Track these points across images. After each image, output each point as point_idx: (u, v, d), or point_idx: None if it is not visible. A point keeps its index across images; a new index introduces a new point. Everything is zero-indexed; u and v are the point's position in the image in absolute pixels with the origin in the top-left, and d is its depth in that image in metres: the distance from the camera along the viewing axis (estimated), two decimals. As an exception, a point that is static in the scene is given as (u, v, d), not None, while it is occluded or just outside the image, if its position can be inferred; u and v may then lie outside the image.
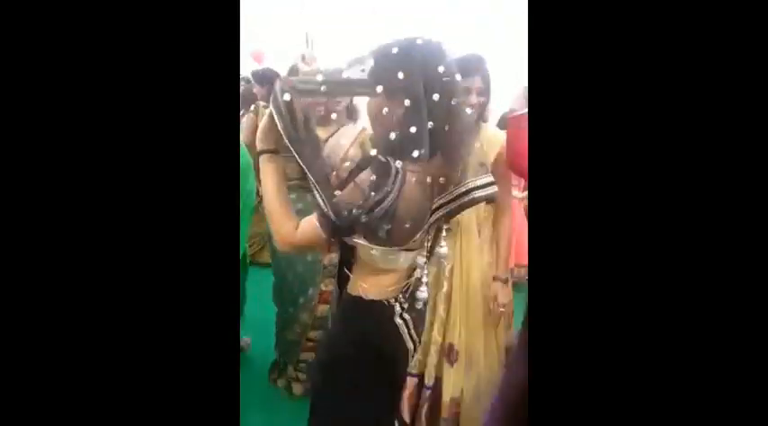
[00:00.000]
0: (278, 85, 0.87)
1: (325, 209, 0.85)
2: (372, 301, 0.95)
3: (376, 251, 0.88)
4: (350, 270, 0.99)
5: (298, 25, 4.91)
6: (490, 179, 0.96)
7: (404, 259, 0.93)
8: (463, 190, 0.92)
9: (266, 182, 0.94)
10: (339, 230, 0.87)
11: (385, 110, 0.83)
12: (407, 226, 0.84)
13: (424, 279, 0.96)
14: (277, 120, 0.86)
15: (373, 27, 4.26)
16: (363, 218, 0.82)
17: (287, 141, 0.86)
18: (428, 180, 0.84)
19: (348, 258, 0.99)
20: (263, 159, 0.95)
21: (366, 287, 0.95)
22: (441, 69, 0.82)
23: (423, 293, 0.96)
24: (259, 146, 0.94)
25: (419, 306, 0.98)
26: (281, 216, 0.93)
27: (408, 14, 4.59)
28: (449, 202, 0.92)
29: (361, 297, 0.95)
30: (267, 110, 0.90)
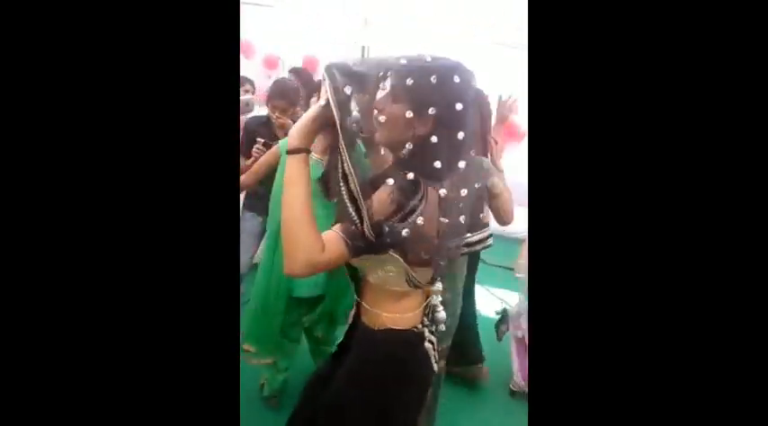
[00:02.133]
0: (336, 74, 0.76)
1: (363, 224, 0.76)
2: (404, 331, 0.92)
3: (393, 272, 0.85)
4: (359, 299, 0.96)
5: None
6: (489, 232, 1.03)
7: (421, 278, 0.91)
8: (467, 241, 0.96)
9: (297, 188, 0.79)
10: (370, 247, 0.79)
11: (421, 130, 0.81)
12: (433, 242, 0.82)
13: (440, 299, 0.96)
14: (336, 115, 0.74)
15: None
16: (404, 233, 0.77)
17: (342, 141, 0.75)
18: (446, 196, 0.83)
19: (357, 288, 0.96)
20: (297, 159, 0.80)
21: (392, 317, 0.91)
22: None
23: (441, 313, 0.96)
24: (297, 143, 0.80)
25: (441, 328, 0.97)
26: (309, 230, 0.77)
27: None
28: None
29: (391, 329, 0.91)
30: (316, 106, 0.80)
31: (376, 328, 0.91)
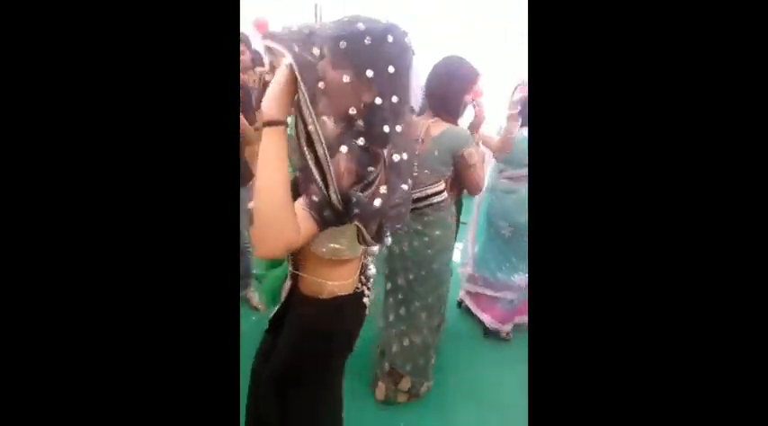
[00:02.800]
0: (300, 37, 0.73)
1: (330, 190, 0.73)
2: (350, 295, 0.96)
3: (344, 244, 0.87)
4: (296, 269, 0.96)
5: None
6: (442, 187, 0.96)
7: (362, 246, 0.93)
8: (420, 195, 0.94)
9: (275, 166, 0.72)
10: (337, 218, 0.76)
11: (365, 96, 0.78)
12: (391, 209, 0.82)
13: (371, 260, 1.01)
14: (296, 70, 0.70)
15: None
16: (376, 203, 0.75)
17: (307, 98, 0.71)
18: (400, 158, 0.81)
19: (294, 259, 0.96)
20: (275, 133, 0.73)
21: (339, 284, 0.93)
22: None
23: (372, 270, 1.01)
24: (273, 113, 0.74)
25: (371, 282, 1.02)
26: (289, 213, 0.73)
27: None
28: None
29: (338, 295, 0.93)
30: (282, 69, 0.74)
31: (323, 297, 0.92)
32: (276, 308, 1.05)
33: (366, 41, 0.75)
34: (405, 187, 0.81)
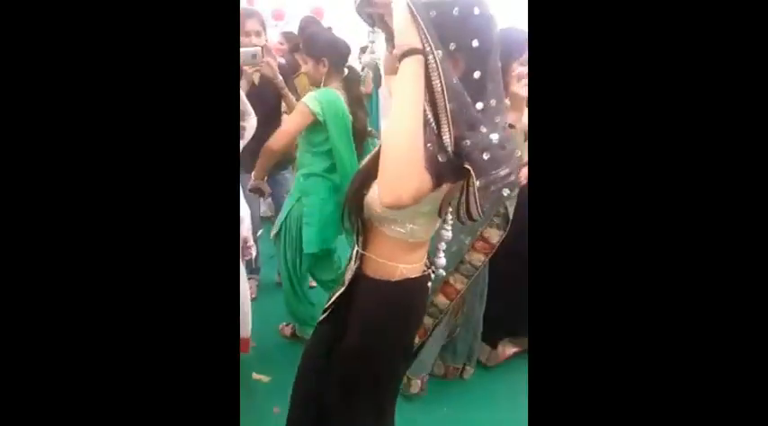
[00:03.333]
0: None
1: (446, 138, 0.70)
2: (419, 277, 0.94)
3: (423, 224, 0.87)
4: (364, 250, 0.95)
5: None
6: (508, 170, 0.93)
7: (436, 227, 0.92)
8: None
9: (410, 100, 0.69)
10: (451, 165, 0.72)
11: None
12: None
13: (443, 247, 0.98)
14: (417, 14, 0.69)
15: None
16: (493, 138, 0.71)
17: (428, 42, 0.68)
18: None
19: (363, 240, 0.95)
20: (411, 62, 0.69)
21: (410, 267, 0.92)
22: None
23: (442, 260, 0.99)
24: (411, 42, 0.70)
25: (441, 273, 1.01)
26: (422, 156, 0.70)
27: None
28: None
29: (409, 278, 0.92)
30: (400, 5, 0.71)
31: (394, 279, 0.91)
32: (337, 293, 1.02)
33: (454, 12, 0.73)
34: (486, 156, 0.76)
